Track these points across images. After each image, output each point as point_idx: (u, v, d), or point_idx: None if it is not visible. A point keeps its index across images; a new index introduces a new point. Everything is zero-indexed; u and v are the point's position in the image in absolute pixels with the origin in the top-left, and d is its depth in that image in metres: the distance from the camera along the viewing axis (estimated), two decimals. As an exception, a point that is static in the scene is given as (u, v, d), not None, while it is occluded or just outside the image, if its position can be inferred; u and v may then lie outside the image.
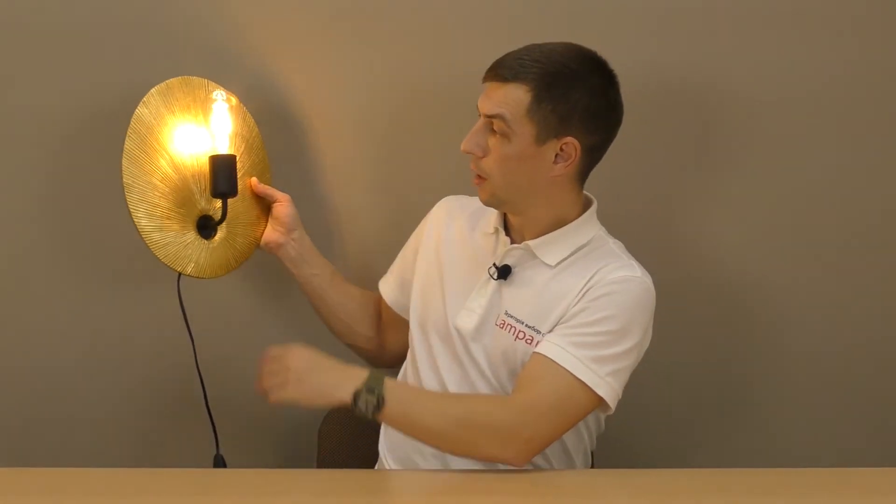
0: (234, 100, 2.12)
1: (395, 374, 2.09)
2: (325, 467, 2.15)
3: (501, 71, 1.87)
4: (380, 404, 1.77)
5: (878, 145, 2.27)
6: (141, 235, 1.99)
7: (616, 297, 1.86)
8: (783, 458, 2.30)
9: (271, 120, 2.25)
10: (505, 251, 1.95)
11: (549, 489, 1.78)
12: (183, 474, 1.82)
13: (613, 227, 2.01)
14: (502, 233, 1.98)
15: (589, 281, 1.88)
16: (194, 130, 2.08)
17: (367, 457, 2.08)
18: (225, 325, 2.27)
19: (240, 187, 2.08)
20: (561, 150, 1.88)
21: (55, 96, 2.22)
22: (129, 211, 1.98)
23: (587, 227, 1.95)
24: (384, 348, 2.18)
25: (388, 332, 2.17)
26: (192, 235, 2.06)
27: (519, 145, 1.86)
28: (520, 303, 1.93)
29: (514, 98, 1.85)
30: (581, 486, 1.85)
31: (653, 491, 1.75)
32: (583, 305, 1.87)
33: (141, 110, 2.02)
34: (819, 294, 2.31)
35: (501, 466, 1.87)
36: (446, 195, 2.13)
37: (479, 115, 1.90)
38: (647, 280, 1.90)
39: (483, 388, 1.94)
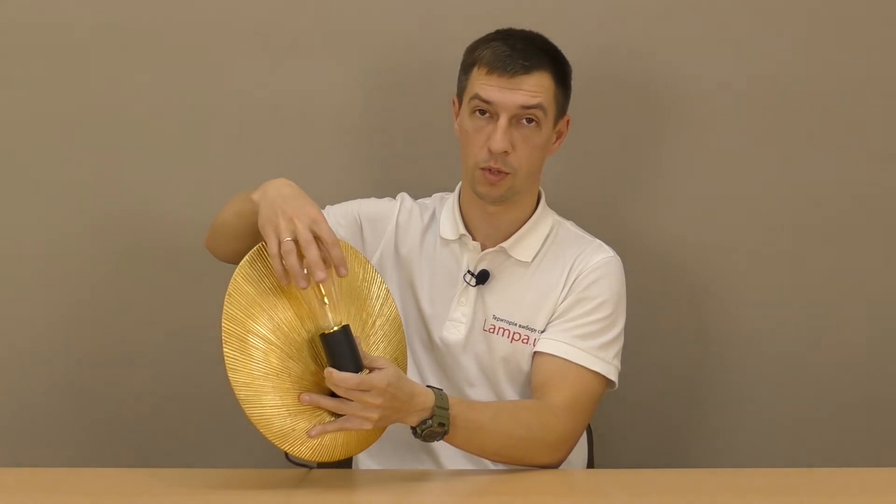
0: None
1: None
2: (323, 467, 2.15)
3: (524, 62, 1.84)
4: (445, 432, 1.73)
5: (842, 137, 2.29)
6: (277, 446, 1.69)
7: (604, 281, 1.91)
8: (783, 458, 2.31)
9: (268, 119, 2.26)
10: (478, 256, 1.94)
11: (550, 489, 1.78)
12: (182, 474, 1.81)
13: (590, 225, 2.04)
14: (469, 237, 1.96)
15: (571, 270, 1.92)
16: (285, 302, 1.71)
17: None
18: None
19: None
20: (560, 129, 1.93)
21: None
22: (253, 423, 1.66)
23: (546, 216, 1.98)
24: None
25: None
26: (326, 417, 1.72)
27: (545, 132, 1.89)
28: (505, 304, 1.93)
29: (544, 85, 1.86)
30: (581, 486, 1.86)
31: (653, 491, 1.75)
32: (576, 297, 1.90)
33: (227, 308, 1.67)
34: (812, 294, 2.32)
35: (494, 466, 1.88)
36: (437, 192, 2.07)
37: (493, 111, 1.84)
38: (616, 255, 1.95)
39: (471, 396, 1.93)
